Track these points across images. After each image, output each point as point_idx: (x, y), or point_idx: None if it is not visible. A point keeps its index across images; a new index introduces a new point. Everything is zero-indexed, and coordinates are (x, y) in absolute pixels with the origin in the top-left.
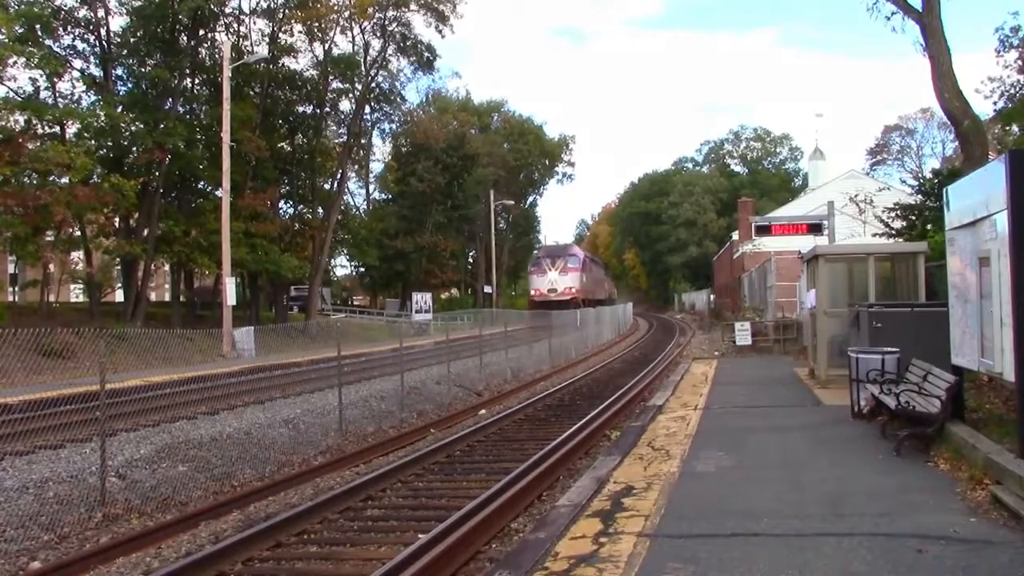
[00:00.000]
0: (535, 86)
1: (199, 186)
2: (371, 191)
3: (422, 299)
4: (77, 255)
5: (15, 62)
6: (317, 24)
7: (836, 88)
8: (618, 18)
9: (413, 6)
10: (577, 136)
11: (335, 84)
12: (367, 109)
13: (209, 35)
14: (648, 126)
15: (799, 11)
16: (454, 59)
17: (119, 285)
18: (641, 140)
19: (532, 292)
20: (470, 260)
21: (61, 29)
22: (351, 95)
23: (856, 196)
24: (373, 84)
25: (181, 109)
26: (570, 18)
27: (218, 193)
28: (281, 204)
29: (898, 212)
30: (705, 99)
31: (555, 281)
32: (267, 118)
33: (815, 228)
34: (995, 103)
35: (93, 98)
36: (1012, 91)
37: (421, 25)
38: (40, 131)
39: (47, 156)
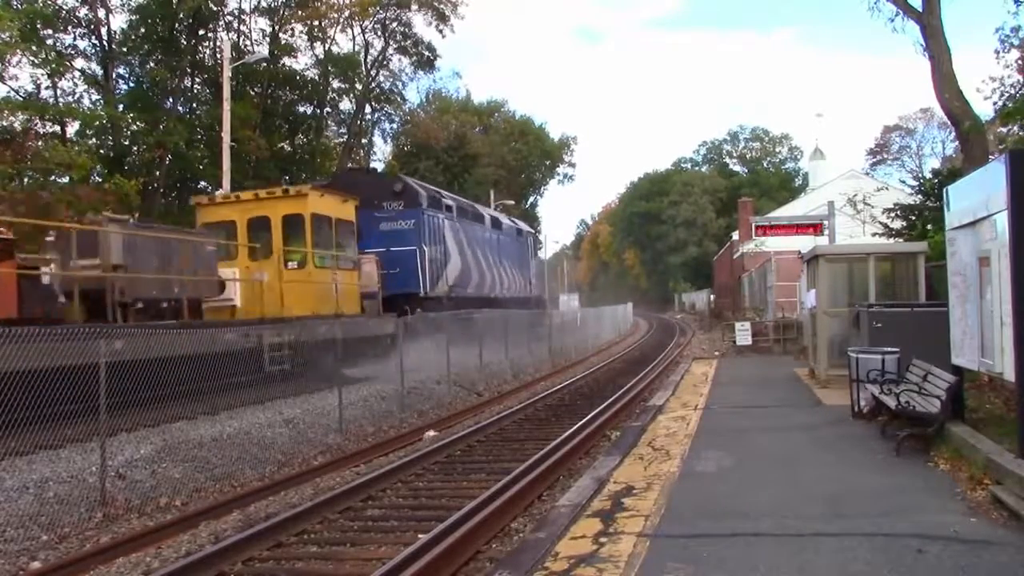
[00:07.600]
0: (540, 86)
1: (200, 186)
2: None
3: None
4: None
5: (18, 61)
6: (317, 23)
7: (836, 88)
8: (626, 19)
9: (414, 6)
10: (579, 135)
11: (335, 84)
12: (367, 109)
13: (210, 34)
14: (649, 126)
15: (800, 12)
16: (465, 60)
17: None
18: (642, 140)
19: None
20: None
21: (62, 28)
22: (351, 95)
23: (854, 197)
24: (373, 84)
25: (181, 109)
26: (584, 18)
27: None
28: None
29: (898, 212)
30: (706, 99)
31: None
32: (267, 118)
33: (815, 228)
34: (995, 103)
35: (94, 97)
36: (1012, 91)
37: (422, 25)
38: (41, 130)
39: (49, 156)
